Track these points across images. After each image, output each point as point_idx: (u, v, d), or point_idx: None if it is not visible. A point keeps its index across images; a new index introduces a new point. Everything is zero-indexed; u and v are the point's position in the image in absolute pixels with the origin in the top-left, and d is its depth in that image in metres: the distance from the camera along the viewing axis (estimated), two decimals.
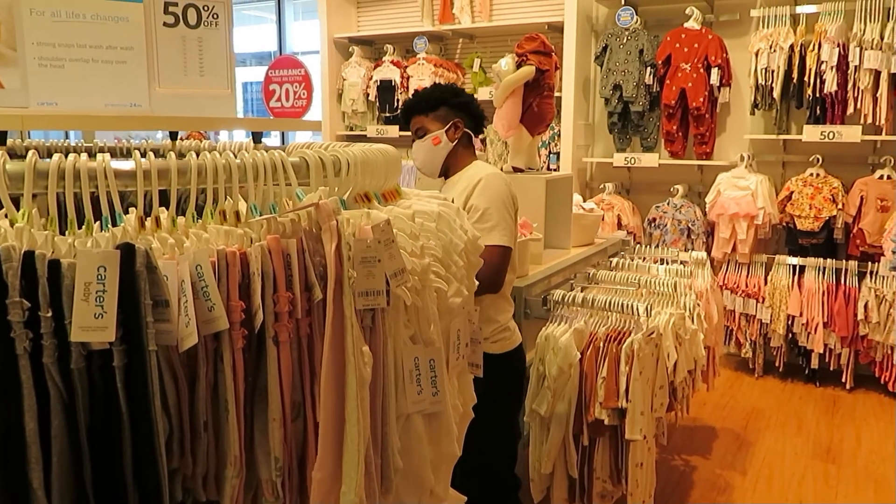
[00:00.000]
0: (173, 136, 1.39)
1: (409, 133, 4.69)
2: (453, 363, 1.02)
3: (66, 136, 2.87)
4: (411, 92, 4.81)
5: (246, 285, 0.76)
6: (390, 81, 4.92)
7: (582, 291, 2.42)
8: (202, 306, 0.71)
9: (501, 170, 2.73)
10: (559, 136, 4.34)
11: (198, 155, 0.88)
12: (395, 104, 4.93)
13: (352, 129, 5.29)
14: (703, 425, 3.36)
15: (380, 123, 5.13)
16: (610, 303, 2.19)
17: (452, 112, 2.06)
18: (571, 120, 4.25)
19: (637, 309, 2.14)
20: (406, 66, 4.86)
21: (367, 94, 5.05)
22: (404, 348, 0.90)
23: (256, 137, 1.32)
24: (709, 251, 4.01)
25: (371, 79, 5.01)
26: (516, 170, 2.67)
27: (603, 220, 4.00)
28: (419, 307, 0.92)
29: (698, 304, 2.62)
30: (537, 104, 2.60)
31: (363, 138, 5.19)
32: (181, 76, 1.39)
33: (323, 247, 0.81)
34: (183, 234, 0.80)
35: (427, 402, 0.91)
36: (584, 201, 3.92)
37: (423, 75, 4.75)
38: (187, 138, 5.26)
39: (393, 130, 4.98)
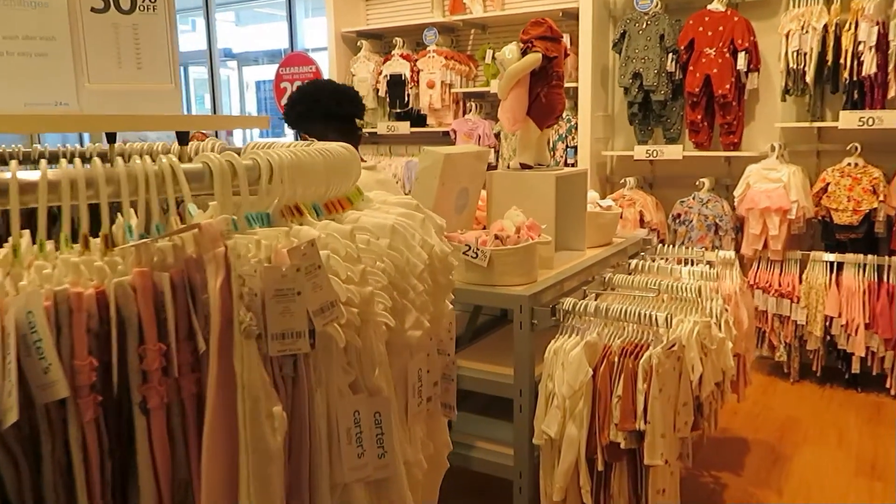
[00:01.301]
0: (110, 138, 1.22)
1: (422, 129, 4.49)
2: (414, 410, 0.84)
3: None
4: (422, 86, 4.62)
5: (106, 334, 0.58)
6: (400, 76, 4.73)
7: (596, 299, 2.21)
8: (35, 367, 0.54)
9: (508, 167, 2.52)
10: (576, 129, 4.11)
11: (141, 158, 0.71)
12: (406, 99, 4.74)
13: (364, 127, 5.10)
14: (733, 437, 3.12)
15: (390, 120, 4.95)
16: (626, 312, 1.97)
17: None
18: (589, 112, 4.03)
19: (656, 319, 1.92)
20: (416, 60, 4.67)
21: (377, 90, 4.87)
22: (341, 400, 0.71)
23: (182, 139, 1.14)
24: (738, 248, 3.75)
25: (380, 74, 4.83)
26: (524, 166, 2.46)
27: (622, 217, 3.77)
28: (360, 348, 0.73)
29: (726, 309, 2.39)
30: (545, 94, 2.38)
31: (373, 136, 5.01)
32: (115, 70, 1.21)
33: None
34: (41, 267, 0.62)
35: (371, 468, 0.72)
36: (604, 198, 3.70)
37: (433, 68, 4.55)
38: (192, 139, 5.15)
39: (404, 127, 4.80)
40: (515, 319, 2.05)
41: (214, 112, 5.96)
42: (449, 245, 1.12)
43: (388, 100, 4.87)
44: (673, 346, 1.92)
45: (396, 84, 4.77)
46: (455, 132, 4.54)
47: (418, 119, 4.80)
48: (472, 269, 2.15)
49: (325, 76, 5.14)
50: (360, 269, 0.73)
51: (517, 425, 2.10)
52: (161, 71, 1.24)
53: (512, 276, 2.14)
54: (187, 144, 1.16)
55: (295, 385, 0.68)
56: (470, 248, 2.12)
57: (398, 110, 4.84)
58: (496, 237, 2.15)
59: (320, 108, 2.45)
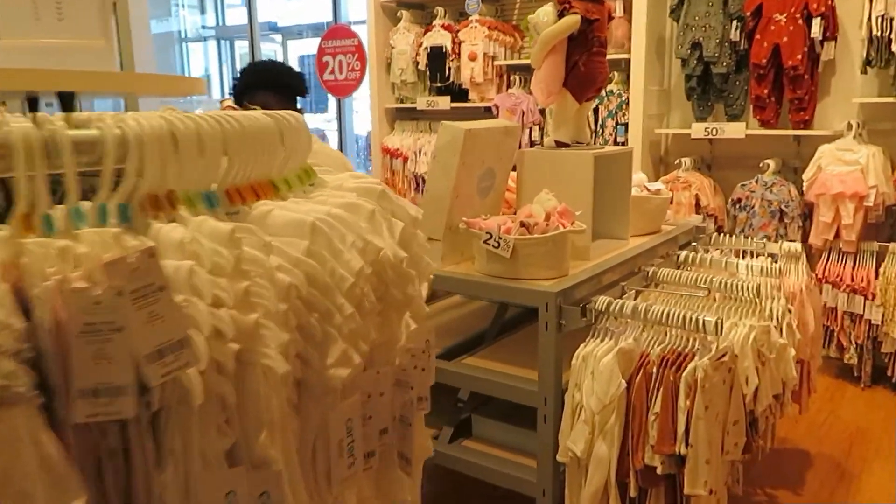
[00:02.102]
0: (32, 103, 1.01)
1: (463, 104, 4.23)
2: (343, 474, 0.61)
3: None
4: (463, 59, 4.35)
5: None
6: (441, 48, 4.46)
7: (635, 297, 1.93)
8: None
9: (542, 144, 2.25)
10: (628, 104, 3.78)
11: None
12: (447, 73, 4.48)
13: (402, 102, 4.88)
14: (792, 448, 2.80)
15: (430, 94, 4.69)
16: (669, 314, 1.70)
17: None
18: (642, 86, 3.69)
19: (704, 324, 1.65)
20: (458, 31, 4.39)
21: (417, 63, 4.62)
22: (207, 476, 0.49)
23: (66, 102, 0.92)
24: (805, 238, 3.38)
25: (420, 45, 4.57)
26: (560, 144, 2.19)
27: (673, 202, 3.44)
28: (235, 402, 0.51)
29: (789, 310, 2.08)
30: (584, 63, 2.10)
31: (412, 111, 4.78)
32: (32, 23, 1.00)
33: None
34: None
35: None
36: (656, 179, 3.38)
37: (475, 39, 4.27)
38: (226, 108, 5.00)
39: (444, 102, 4.54)
40: (541, 319, 1.80)
41: None
42: (425, 243, 0.88)
43: (428, 73, 4.61)
44: (723, 355, 1.64)
45: (437, 56, 4.51)
46: (497, 107, 4.26)
47: (459, 94, 4.53)
48: (494, 260, 1.91)
49: (370, 50, 4.91)
50: (239, 289, 0.51)
51: (541, 437, 1.86)
52: (88, 24, 1.03)
53: (539, 269, 1.88)
54: (72, 109, 0.95)
55: (128, 461, 0.46)
56: (491, 236, 1.88)
57: (439, 84, 4.58)
58: (522, 224, 1.89)
59: (264, 80, 2.43)
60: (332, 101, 6.90)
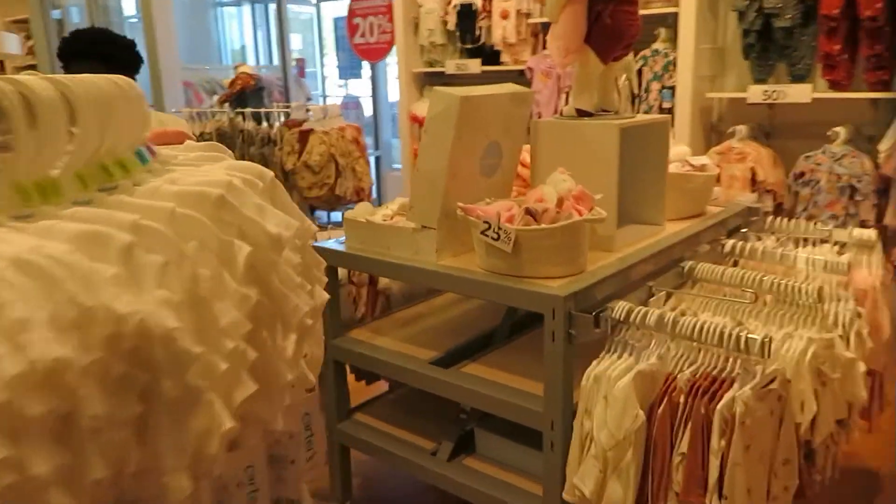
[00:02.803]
0: None
1: (495, 67, 3.88)
2: None
3: None
4: (495, 17, 3.98)
5: None
6: (471, 6, 4.10)
7: (665, 301, 1.60)
8: None
9: (561, 114, 1.91)
10: (675, 65, 3.36)
11: None
12: (477, 33, 4.12)
13: (431, 65, 4.54)
14: (859, 469, 2.43)
15: (460, 57, 4.34)
16: (703, 328, 1.36)
17: None
18: (692, 43, 3.26)
19: (748, 343, 1.30)
20: None
21: (446, 23, 4.26)
22: None
23: None
24: (880, 218, 2.94)
25: (450, 3, 4.21)
26: (581, 113, 1.84)
27: (722, 178, 3.04)
28: None
29: (859, 315, 1.71)
30: (610, 14, 1.74)
31: (441, 77, 4.43)
32: None
33: None
34: None
35: None
36: (707, 151, 2.99)
37: None
38: (232, 84, 4.73)
39: (474, 65, 4.19)
40: (546, 328, 1.49)
41: (283, 53, 5.53)
42: (294, 276, 0.59)
43: (457, 34, 4.26)
44: (771, 381, 1.30)
45: (467, 15, 4.14)
46: (532, 70, 3.89)
47: (491, 56, 4.17)
48: (494, 255, 1.60)
49: (396, 10, 4.57)
50: None
51: (547, 467, 1.56)
52: None
53: (548, 266, 1.56)
54: None
55: None
56: (490, 226, 1.56)
57: (469, 46, 4.22)
58: (528, 212, 1.57)
59: (97, 50, 2.17)
60: (365, 67, 6.60)
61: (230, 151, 0.86)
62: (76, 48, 2.16)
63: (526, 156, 1.95)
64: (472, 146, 1.71)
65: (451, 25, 4.23)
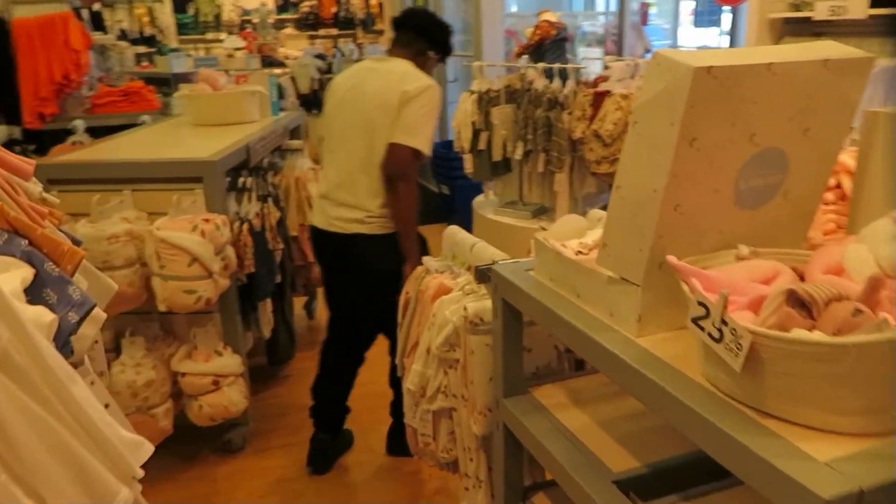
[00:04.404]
0: None
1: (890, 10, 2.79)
2: None
3: None
4: None
5: None
6: None
7: None
8: None
9: None
10: None
11: None
12: None
13: (797, 9, 3.45)
14: None
15: None
16: None
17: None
18: None
19: None
20: None
21: None
22: None
23: None
24: None
25: None
26: None
27: None
28: None
29: None
30: None
31: (807, 24, 3.33)
32: None
33: None
34: None
35: None
36: None
37: None
38: (532, 34, 4.18)
39: (859, 6, 3.02)
40: None
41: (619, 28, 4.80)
42: None
43: None
44: None
45: None
46: None
47: None
48: (716, 363, 0.88)
49: None
50: None
51: None
52: None
53: (820, 410, 0.80)
54: None
55: None
56: (707, 312, 0.84)
57: None
58: (792, 298, 0.81)
59: (414, 22, 2.42)
60: (725, 14, 5.50)
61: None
62: (400, 19, 2.40)
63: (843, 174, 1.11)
64: (719, 154, 0.97)
65: None
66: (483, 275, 1.51)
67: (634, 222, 1.01)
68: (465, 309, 1.50)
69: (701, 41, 6.60)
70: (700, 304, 0.85)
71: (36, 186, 0.77)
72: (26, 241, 0.62)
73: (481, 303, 1.51)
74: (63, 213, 0.84)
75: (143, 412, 2.13)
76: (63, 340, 0.60)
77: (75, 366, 0.63)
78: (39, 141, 4.09)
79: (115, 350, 2.20)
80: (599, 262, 1.10)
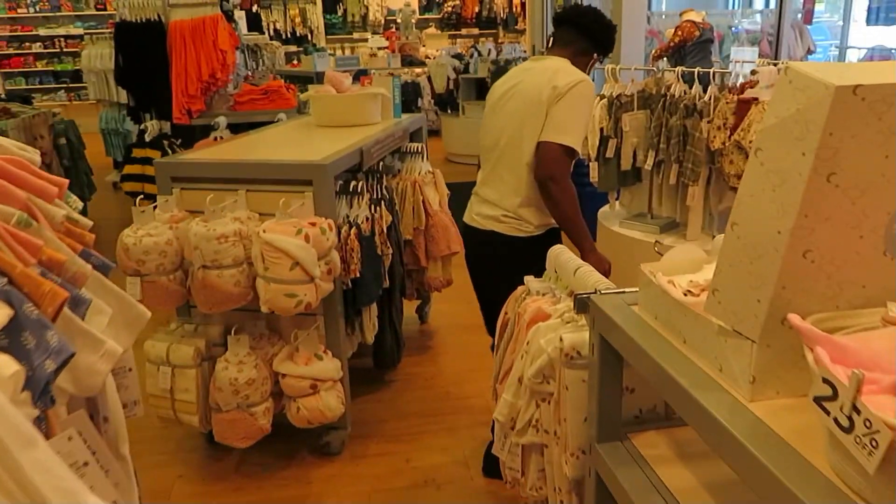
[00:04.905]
0: None
1: None
2: None
3: None
4: None
5: None
6: None
7: None
8: None
9: None
10: None
11: None
12: None
13: None
14: None
15: None
16: None
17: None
18: None
19: None
20: None
21: None
22: None
23: None
24: None
25: None
26: None
27: None
28: None
29: None
30: None
31: None
32: None
33: None
34: None
35: None
36: None
37: None
38: (673, 35, 3.85)
39: None
40: None
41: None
42: None
43: None
44: None
45: None
46: None
47: None
48: (842, 456, 0.70)
49: None
50: None
51: None
52: None
53: None
54: None
55: None
56: (835, 393, 0.67)
57: None
58: None
59: (577, 20, 2.33)
60: None
61: None
62: (563, 15, 2.31)
63: None
64: (865, 192, 0.78)
65: None
66: (583, 304, 1.37)
67: (752, 268, 0.85)
68: (560, 340, 1.37)
69: (876, 41, 5.92)
70: (825, 381, 0.68)
71: (59, 210, 0.74)
72: (6, 280, 0.59)
73: (579, 334, 1.37)
74: (93, 235, 0.81)
75: (242, 409, 2.16)
76: (40, 391, 0.56)
77: (90, 403, 0.59)
78: (190, 135, 4.34)
79: (223, 345, 2.25)
80: (708, 308, 0.94)
